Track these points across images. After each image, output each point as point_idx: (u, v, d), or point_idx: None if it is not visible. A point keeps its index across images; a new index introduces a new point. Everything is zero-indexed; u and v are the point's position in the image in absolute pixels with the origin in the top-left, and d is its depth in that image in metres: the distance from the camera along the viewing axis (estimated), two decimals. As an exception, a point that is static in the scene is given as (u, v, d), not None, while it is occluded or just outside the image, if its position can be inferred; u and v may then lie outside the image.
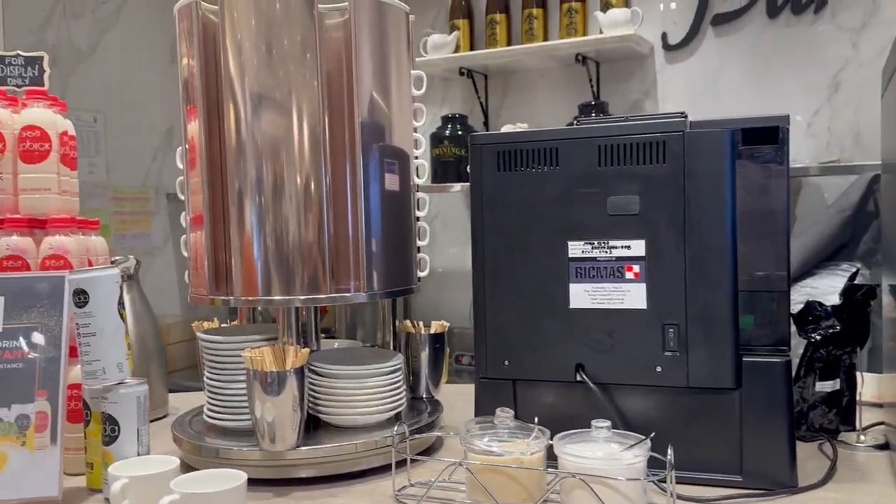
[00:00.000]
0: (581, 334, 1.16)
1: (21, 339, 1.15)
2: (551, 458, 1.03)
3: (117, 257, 1.56)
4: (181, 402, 1.67)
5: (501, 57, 3.18)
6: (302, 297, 1.20)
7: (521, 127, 3.25)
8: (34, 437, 1.11)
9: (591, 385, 1.15)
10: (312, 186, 1.20)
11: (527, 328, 1.20)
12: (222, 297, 1.24)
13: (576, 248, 1.16)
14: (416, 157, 1.37)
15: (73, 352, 1.17)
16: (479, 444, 1.05)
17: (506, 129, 3.24)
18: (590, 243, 1.16)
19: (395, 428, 1.17)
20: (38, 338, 1.15)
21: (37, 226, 1.30)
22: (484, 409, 1.21)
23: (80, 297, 1.11)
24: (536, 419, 1.06)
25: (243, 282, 1.20)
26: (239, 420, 1.23)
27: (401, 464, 1.15)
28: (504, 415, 1.08)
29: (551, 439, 1.04)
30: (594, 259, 1.15)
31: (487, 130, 3.59)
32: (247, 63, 1.19)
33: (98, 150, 3.74)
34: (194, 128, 1.26)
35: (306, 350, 1.17)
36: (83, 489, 1.18)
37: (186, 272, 1.36)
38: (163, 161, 4.19)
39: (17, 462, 1.10)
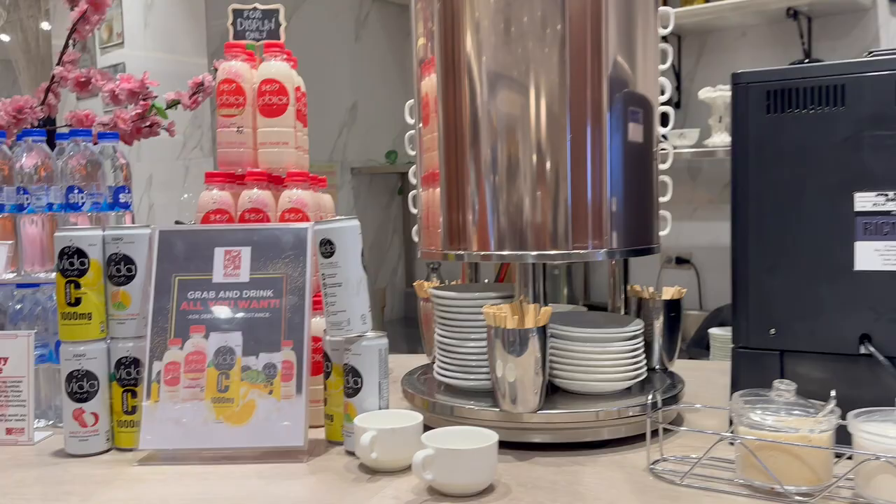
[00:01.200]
0: (868, 301, 1.01)
1: (267, 289, 1.15)
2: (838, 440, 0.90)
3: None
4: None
5: (700, 14, 2.96)
6: (535, 254, 1.13)
7: (720, 92, 3.02)
8: (280, 385, 1.11)
9: (882, 358, 1.00)
10: (553, 140, 1.12)
11: (799, 293, 1.06)
12: (456, 252, 1.19)
13: (865, 201, 1.01)
14: (661, 105, 1.25)
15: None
16: (756, 418, 0.93)
17: (704, 93, 3.02)
18: (883, 195, 1.00)
19: (649, 396, 1.08)
20: (283, 287, 1.15)
21: (275, 181, 1.31)
22: (744, 382, 1.09)
23: (327, 247, 1.10)
24: (833, 392, 0.92)
25: (478, 237, 1.15)
26: (471, 379, 1.19)
27: (643, 436, 1.06)
28: (784, 387, 0.96)
29: (842, 418, 0.90)
30: (888, 213, 1.00)
31: (679, 96, 3.38)
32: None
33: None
34: (429, 83, 1.22)
35: (548, 309, 1.09)
36: (322, 441, 1.18)
37: (415, 229, 1.33)
38: (347, 136, 4.31)
39: (265, 410, 1.11)
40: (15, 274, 1.31)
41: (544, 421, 1.09)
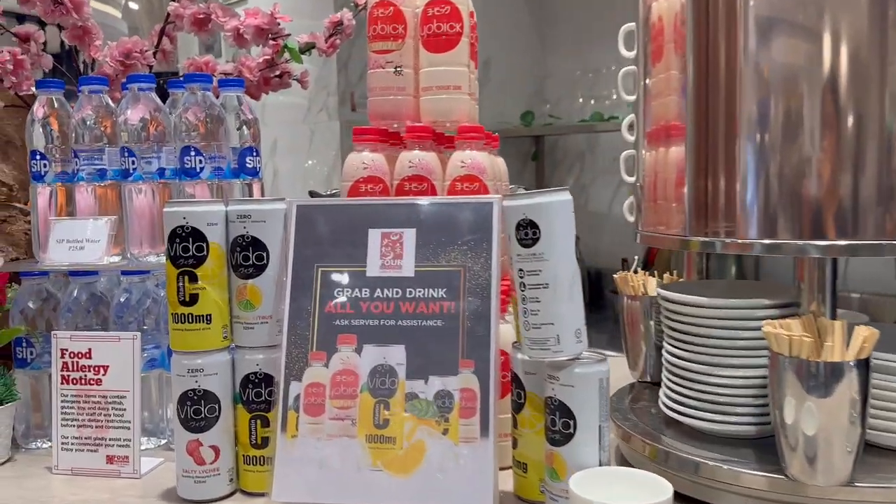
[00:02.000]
0: None
1: (439, 286, 0.84)
2: None
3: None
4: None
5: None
6: (823, 244, 0.75)
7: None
8: (458, 423, 0.80)
9: None
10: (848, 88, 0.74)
11: None
12: (704, 239, 0.83)
13: None
14: None
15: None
16: None
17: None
18: None
19: None
20: (461, 285, 0.83)
21: (439, 139, 0.99)
22: None
23: (528, 231, 0.77)
24: None
25: (762, 217, 0.78)
26: (725, 423, 0.83)
27: None
28: None
29: None
30: None
31: None
32: None
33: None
34: (666, 3, 0.86)
35: (872, 331, 0.72)
36: (509, 494, 0.86)
37: (627, 203, 0.98)
38: (482, 98, 3.97)
39: (438, 456, 0.79)
40: (119, 257, 1.05)
41: (861, 501, 0.73)
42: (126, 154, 1.03)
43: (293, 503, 0.81)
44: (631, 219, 0.96)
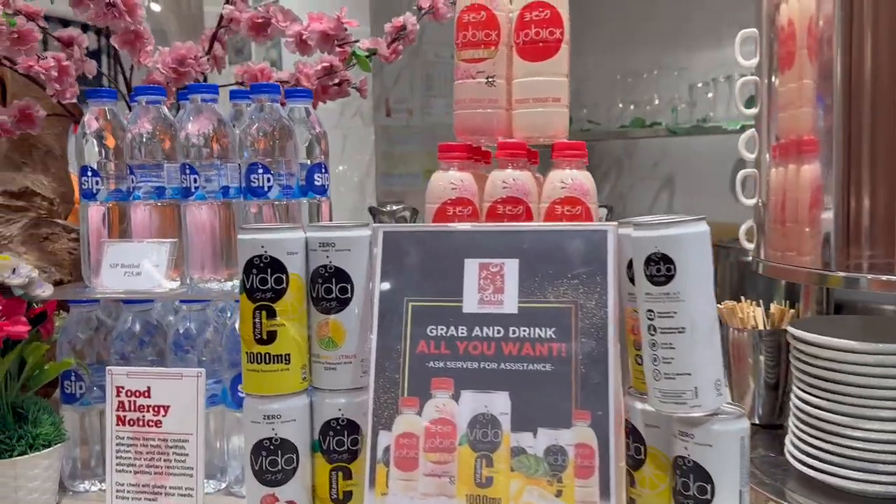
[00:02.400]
0: None
1: (547, 325, 0.74)
2: None
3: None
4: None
5: None
6: None
7: None
8: (574, 484, 0.70)
9: None
10: None
11: None
12: (848, 275, 0.73)
13: None
14: None
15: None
16: None
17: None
18: None
19: None
20: (570, 324, 0.73)
21: (532, 155, 0.90)
22: None
23: (661, 266, 0.67)
24: None
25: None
26: (874, 482, 0.73)
27: None
28: None
29: None
30: None
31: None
32: None
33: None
34: (798, 4, 0.76)
35: None
36: (622, 561, 0.76)
37: (744, 227, 0.88)
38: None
39: (550, 520, 0.70)
40: (177, 283, 0.96)
41: None
42: (187, 171, 0.94)
43: (384, 570, 0.72)
44: (749, 245, 0.86)
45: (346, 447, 0.78)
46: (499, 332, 0.75)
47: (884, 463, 0.73)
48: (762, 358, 0.95)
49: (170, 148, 0.97)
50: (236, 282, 0.98)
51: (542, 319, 0.74)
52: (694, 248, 0.67)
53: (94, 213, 0.99)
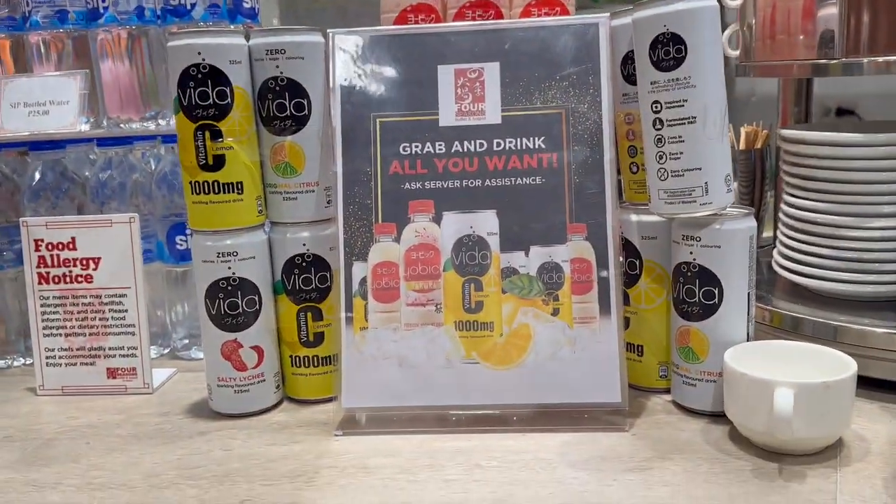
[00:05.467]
0: None
1: (536, 134, 0.66)
2: None
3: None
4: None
5: None
6: None
7: None
8: (571, 301, 0.65)
9: None
10: None
11: None
12: (858, 59, 0.68)
13: None
14: None
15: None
16: None
17: None
18: None
19: None
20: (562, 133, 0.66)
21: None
22: None
23: (670, 48, 0.59)
24: None
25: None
26: (870, 283, 0.71)
27: None
28: None
29: None
30: None
31: None
32: None
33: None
34: None
35: None
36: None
37: (728, 32, 0.81)
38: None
39: (548, 341, 0.65)
40: (91, 123, 0.83)
41: None
42: (92, -13, 0.79)
43: (369, 408, 0.66)
44: (734, 53, 0.80)
45: (313, 285, 0.70)
46: (481, 145, 0.67)
47: (880, 262, 0.70)
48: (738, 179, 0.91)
49: (67, -40, 0.81)
50: (160, 122, 0.86)
51: (529, 128, 0.67)
52: (706, 25, 0.59)
53: (-18, 45, 0.83)
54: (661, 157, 0.62)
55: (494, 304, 0.66)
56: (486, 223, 0.66)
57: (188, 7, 0.79)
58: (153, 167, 0.85)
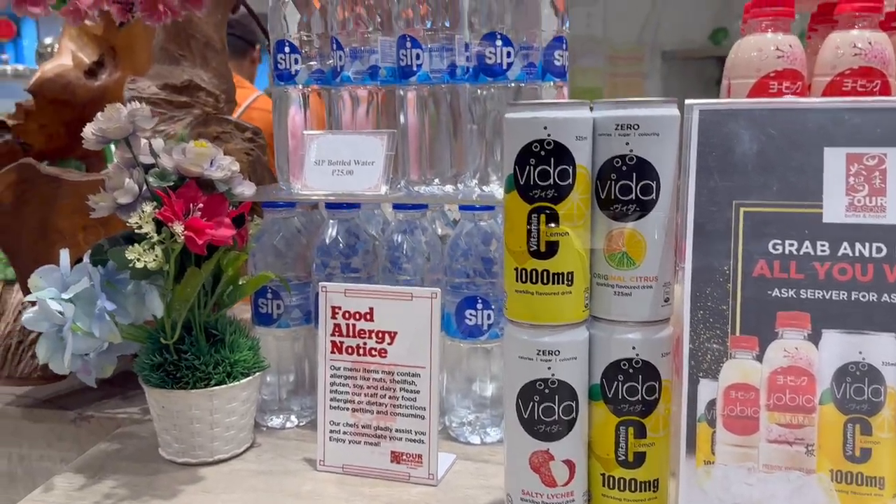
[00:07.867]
0: None
1: None
2: None
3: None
4: None
5: None
6: None
7: None
8: None
9: None
10: None
11: None
12: None
13: None
14: None
15: None
16: None
17: None
18: None
19: None
20: None
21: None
22: None
23: None
24: None
25: None
26: None
27: None
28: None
29: None
30: None
31: None
32: None
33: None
34: None
35: None
36: None
37: None
38: (661, 11, 3.51)
39: None
40: (388, 188, 0.78)
41: None
42: (409, 43, 0.75)
43: (711, 563, 0.54)
44: None
45: (639, 396, 0.59)
46: (879, 249, 0.54)
47: None
48: None
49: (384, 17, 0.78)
50: (457, 185, 0.80)
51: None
52: None
53: (294, 98, 0.82)
54: None
55: (887, 454, 0.52)
56: (880, 349, 0.53)
57: (504, 67, 0.73)
58: (441, 233, 0.79)
